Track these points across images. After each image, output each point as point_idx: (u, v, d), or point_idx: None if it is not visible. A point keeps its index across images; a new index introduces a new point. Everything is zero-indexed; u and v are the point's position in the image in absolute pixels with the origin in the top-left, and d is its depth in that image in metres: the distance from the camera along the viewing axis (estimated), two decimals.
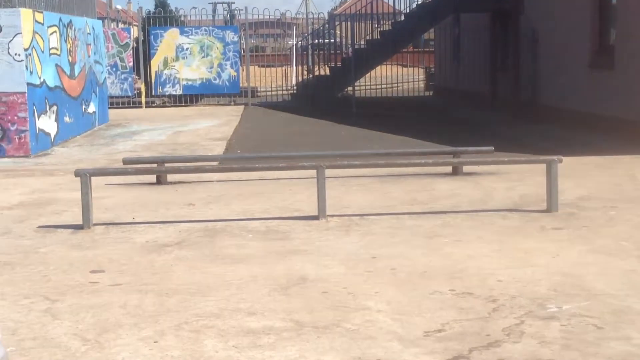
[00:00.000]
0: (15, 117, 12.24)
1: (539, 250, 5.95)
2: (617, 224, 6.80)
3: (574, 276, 5.22)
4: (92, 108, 16.52)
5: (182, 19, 27.11)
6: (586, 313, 4.48)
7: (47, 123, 13.32)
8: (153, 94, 22.70)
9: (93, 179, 7.31)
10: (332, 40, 23.66)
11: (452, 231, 6.65)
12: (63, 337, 4.31)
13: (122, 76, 22.35)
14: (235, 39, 22.10)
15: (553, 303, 4.67)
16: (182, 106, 21.42)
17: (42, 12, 13.32)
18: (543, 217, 7.10)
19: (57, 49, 14.07)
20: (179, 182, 9.19)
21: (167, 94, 22.30)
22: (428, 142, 12.12)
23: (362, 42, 21.91)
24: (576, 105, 14.23)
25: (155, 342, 4.19)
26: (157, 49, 21.69)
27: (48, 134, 13.33)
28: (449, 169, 9.48)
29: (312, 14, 33.03)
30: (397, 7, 21.46)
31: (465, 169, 9.41)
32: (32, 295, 5.06)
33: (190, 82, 21.69)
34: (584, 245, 6.09)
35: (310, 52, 24.15)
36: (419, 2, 20.95)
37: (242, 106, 20.96)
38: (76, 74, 15.31)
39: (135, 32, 26.40)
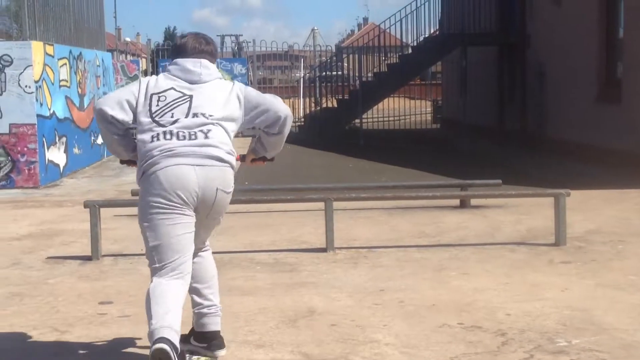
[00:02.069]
0: (25, 149, 12.33)
1: (548, 284, 5.95)
2: (625, 258, 6.79)
3: (583, 310, 5.21)
4: (100, 139, 16.62)
5: None
6: (596, 347, 4.47)
7: (57, 154, 13.40)
8: None
9: (102, 210, 7.34)
10: (340, 73, 23.80)
11: (460, 264, 6.65)
12: None
13: None
14: (243, 71, 22.26)
15: (562, 337, 4.66)
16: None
17: (52, 45, 13.45)
18: (551, 251, 7.09)
19: (67, 81, 14.20)
20: None
21: None
22: (435, 174, 12.15)
23: (369, 75, 22.04)
24: (583, 139, 14.25)
25: None
26: None
27: (57, 165, 13.41)
28: (457, 201, 9.50)
29: (320, 46, 33.23)
30: (404, 40, 21.59)
31: (473, 201, 9.43)
32: (41, 327, 5.07)
33: None
34: (593, 279, 6.08)
35: (317, 84, 24.28)
36: (427, 36, 21.09)
37: (250, 138, 21.03)
38: (85, 106, 15.42)
39: (144, 64, 26.60)
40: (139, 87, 4.10)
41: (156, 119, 4.00)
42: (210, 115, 4.04)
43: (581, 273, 6.27)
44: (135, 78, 22.56)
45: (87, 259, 7.08)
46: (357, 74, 22.48)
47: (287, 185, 10.49)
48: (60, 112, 13.67)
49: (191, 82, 4.10)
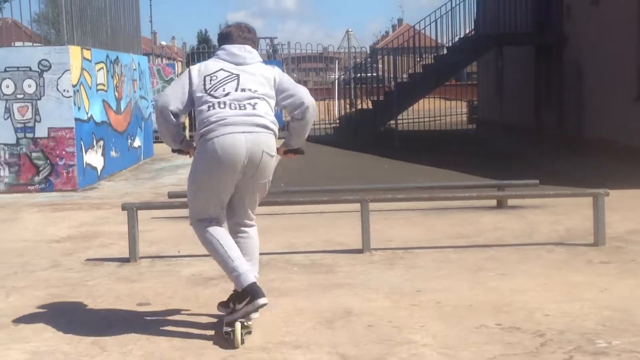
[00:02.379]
0: (64, 152, 12.47)
1: (587, 284, 5.88)
2: None
3: (623, 311, 5.14)
4: (137, 142, 16.76)
5: None
6: (637, 349, 4.41)
7: (94, 157, 13.53)
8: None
9: (139, 212, 7.40)
10: (375, 74, 23.76)
11: (497, 265, 6.60)
12: None
13: None
14: None
15: (602, 338, 4.61)
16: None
17: (90, 49, 13.60)
18: (590, 251, 7.02)
19: (104, 85, 14.34)
20: None
21: None
22: (472, 175, 12.07)
23: (404, 76, 21.97)
24: (622, 139, 14.09)
25: None
26: None
27: (95, 168, 13.54)
28: (494, 202, 9.43)
29: (354, 47, 33.23)
30: (439, 41, 21.51)
31: (510, 202, 9.35)
32: (80, 327, 5.11)
33: None
34: (633, 279, 6.00)
35: (352, 85, 24.27)
36: (462, 36, 20.98)
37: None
38: (122, 109, 15.56)
39: (179, 67, 26.78)
40: (190, 75, 4.81)
41: (210, 92, 4.74)
42: (256, 91, 4.76)
43: (621, 273, 6.20)
44: (170, 81, 22.74)
45: (125, 260, 7.14)
46: (392, 75, 22.43)
47: (323, 186, 10.50)
48: (98, 116, 13.81)
49: (237, 64, 4.83)
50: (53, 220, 9.71)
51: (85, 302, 5.77)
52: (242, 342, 4.56)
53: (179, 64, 28.42)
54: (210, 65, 4.84)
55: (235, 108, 4.67)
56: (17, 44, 14.30)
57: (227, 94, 4.71)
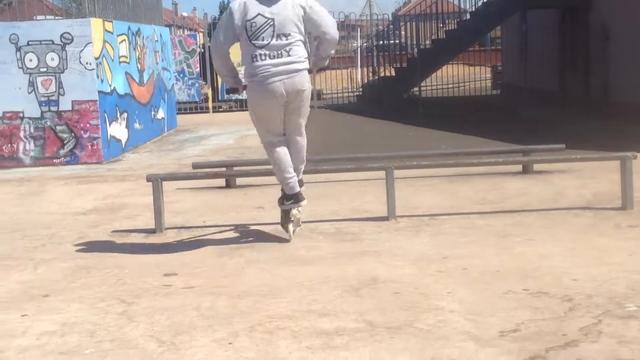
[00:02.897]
0: (88, 125, 12.52)
1: (615, 248, 5.83)
2: None
3: None
4: (160, 114, 16.78)
5: None
6: None
7: (118, 130, 13.57)
8: (220, 99, 22.95)
9: (164, 183, 7.42)
10: (397, 41, 23.57)
11: (523, 230, 6.56)
12: (140, 339, 4.37)
13: (189, 82, 22.67)
14: None
15: (631, 302, 4.57)
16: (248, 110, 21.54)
17: (111, 22, 13.59)
18: (618, 215, 6.95)
19: (127, 57, 14.34)
20: (248, 186, 9.26)
21: (233, 98, 22.51)
22: (497, 141, 11.98)
23: (427, 42, 21.79)
24: None
25: (229, 343, 4.22)
26: None
27: (119, 141, 13.59)
28: (519, 167, 9.36)
29: (376, 15, 33.00)
30: (462, 6, 21.28)
31: (536, 167, 9.28)
32: (108, 298, 5.16)
33: None
34: None
35: (375, 53, 24.12)
36: (485, 0, 20.73)
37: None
38: (145, 81, 15.57)
39: (201, 38, 26.74)
40: (234, 18, 6.05)
41: (252, 41, 6.02)
42: (289, 35, 6.02)
43: None
44: (193, 52, 22.71)
45: (150, 232, 7.17)
46: (414, 42, 22.25)
47: (348, 154, 10.46)
48: (121, 88, 13.82)
49: (268, 5, 6.00)
50: (79, 193, 9.77)
51: (112, 273, 5.81)
52: (294, 232, 6.58)
53: (201, 34, 28.36)
54: (248, 8, 6.01)
55: (274, 57, 6.00)
56: (38, 17, 14.31)
57: (266, 45, 5.99)
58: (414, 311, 4.58)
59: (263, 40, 6.01)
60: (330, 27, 6.19)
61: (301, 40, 6.12)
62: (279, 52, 6.02)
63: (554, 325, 4.23)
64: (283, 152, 6.37)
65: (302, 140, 6.53)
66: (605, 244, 5.98)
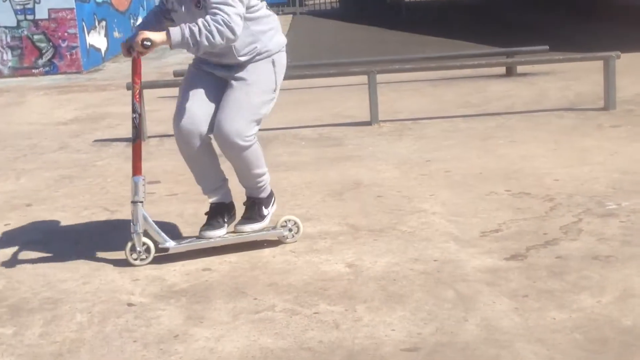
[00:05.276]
0: (66, 34, 12.31)
1: (597, 148, 5.85)
2: None
3: (633, 173, 5.13)
4: (139, 21, 16.49)
5: None
6: None
7: (97, 39, 13.37)
8: None
9: (145, 92, 7.33)
10: None
11: (506, 132, 6.56)
12: (124, 245, 4.37)
13: None
14: None
15: (612, 200, 4.61)
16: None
17: None
18: (600, 115, 6.96)
19: None
20: None
21: None
22: (480, 44, 11.88)
23: None
24: (635, 0, 13.77)
25: (213, 248, 4.24)
26: None
27: (98, 50, 13.40)
28: (503, 70, 9.31)
29: None
30: None
31: (519, 69, 9.24)
32: (92, 207, 5.15)
33: None
34: None
35: None
36: None
37: (290, 15, 20.73)
38: None
39: None
40: None
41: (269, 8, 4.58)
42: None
43: (631, 136, 6.16)
44: None
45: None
46: None
47: (330, 60, 10.36)
48: None
49: None
50: (59, 103, 9.67)
51: (95, 182, 5.80)
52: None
53: None
54: None
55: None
56: None
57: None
58: (396, 214, 4.61)
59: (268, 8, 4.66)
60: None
61: None
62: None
63: (535, 225, 4.27)
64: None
65: None
66: (587, 144, 6.00)
